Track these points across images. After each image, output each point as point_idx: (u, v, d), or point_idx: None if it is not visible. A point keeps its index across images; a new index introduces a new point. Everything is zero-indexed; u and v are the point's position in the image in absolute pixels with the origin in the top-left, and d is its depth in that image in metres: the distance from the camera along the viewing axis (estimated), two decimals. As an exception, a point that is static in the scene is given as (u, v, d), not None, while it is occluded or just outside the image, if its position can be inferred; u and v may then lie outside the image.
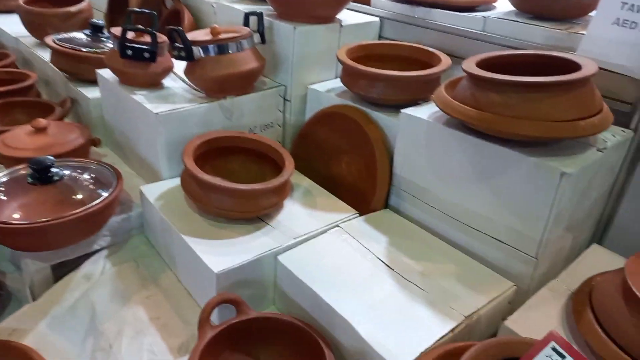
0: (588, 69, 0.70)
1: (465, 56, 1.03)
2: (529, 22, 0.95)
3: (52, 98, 1.38)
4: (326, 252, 0.78)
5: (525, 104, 0.68)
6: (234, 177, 0.94)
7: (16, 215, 0.82)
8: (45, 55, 1.36)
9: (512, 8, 1.05)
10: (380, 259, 0.78)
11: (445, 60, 0.96)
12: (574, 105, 0.68)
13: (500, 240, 0.75)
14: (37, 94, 1.30)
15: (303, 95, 1.09)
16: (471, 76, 0.74)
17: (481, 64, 0.78)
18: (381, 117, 0.94)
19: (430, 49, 1.01)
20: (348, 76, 0.99)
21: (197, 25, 1.30)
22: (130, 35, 1.00)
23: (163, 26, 1.24)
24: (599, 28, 0.83)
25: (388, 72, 0.91)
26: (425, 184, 0.85)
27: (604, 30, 0.82)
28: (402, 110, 0.87)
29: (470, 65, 0.77)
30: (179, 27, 0.94)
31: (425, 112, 0.85)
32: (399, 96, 0.93)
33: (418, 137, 0.84)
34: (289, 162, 0.90)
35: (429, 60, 1.00)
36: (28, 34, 1.52)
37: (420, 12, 1.10)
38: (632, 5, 0.79)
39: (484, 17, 1.00)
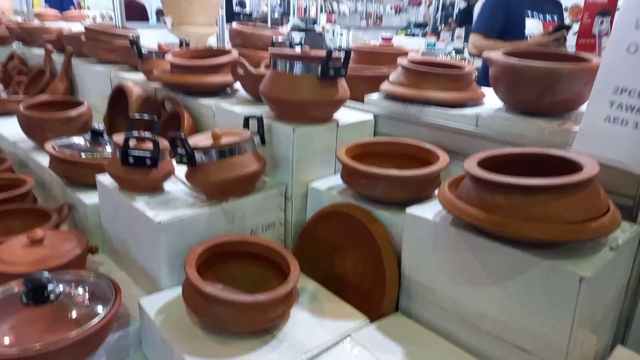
0: (591, 167, 0.71)
1: (460, 151, 1.06)
2: (521, 119, 0.99)
3: (48, 201, 1.36)
4: (340, 368, 0.74)
5: (533, 206, 0.68)
6: (236, 283, 0.91)
7: (6, 339, 0.77)
8: (42, 159, 1.36)
9: (501, 104, 1.09)
10: (397, 373, 0.73)
11: (444, 157, 0.98)
12: (582, 206, 0.69)
13: (522, 349, 0.72)
14: (34, 199, 1.29)
15: (304, 193, 1.10)
16: (475, 178, 0.75)
17: (482, 163, 0.79)
18: (384, 215, 0.94)
19: (427, 146, 1.03)
20: (349, 175, 1.00)
21: (196, 127, 1.32)
22: (132, 141, 1.01)
23: (163, 128, 1.27)
24: (591, 125, 0.86)
25: (389, 172, 0.92)
26: (437, 286, 0.83)
27: (596, 128, 0.84)
28: (407, 210, 0.86)
29: (472, 165, 0.78)
30: (182, 134, 0.96)
31: (430, 211, 0.85)
32: (401, 194, 0.94)
33: (425, 237, 0.83)
34: (294, 267, 0.87)
35: (426, 157, 1.02)
36: (25, 137, 1.53)
37: (413, 109, 1.14)
38: (620, 104, 0.82)
39: (477, 114, 1.04)
